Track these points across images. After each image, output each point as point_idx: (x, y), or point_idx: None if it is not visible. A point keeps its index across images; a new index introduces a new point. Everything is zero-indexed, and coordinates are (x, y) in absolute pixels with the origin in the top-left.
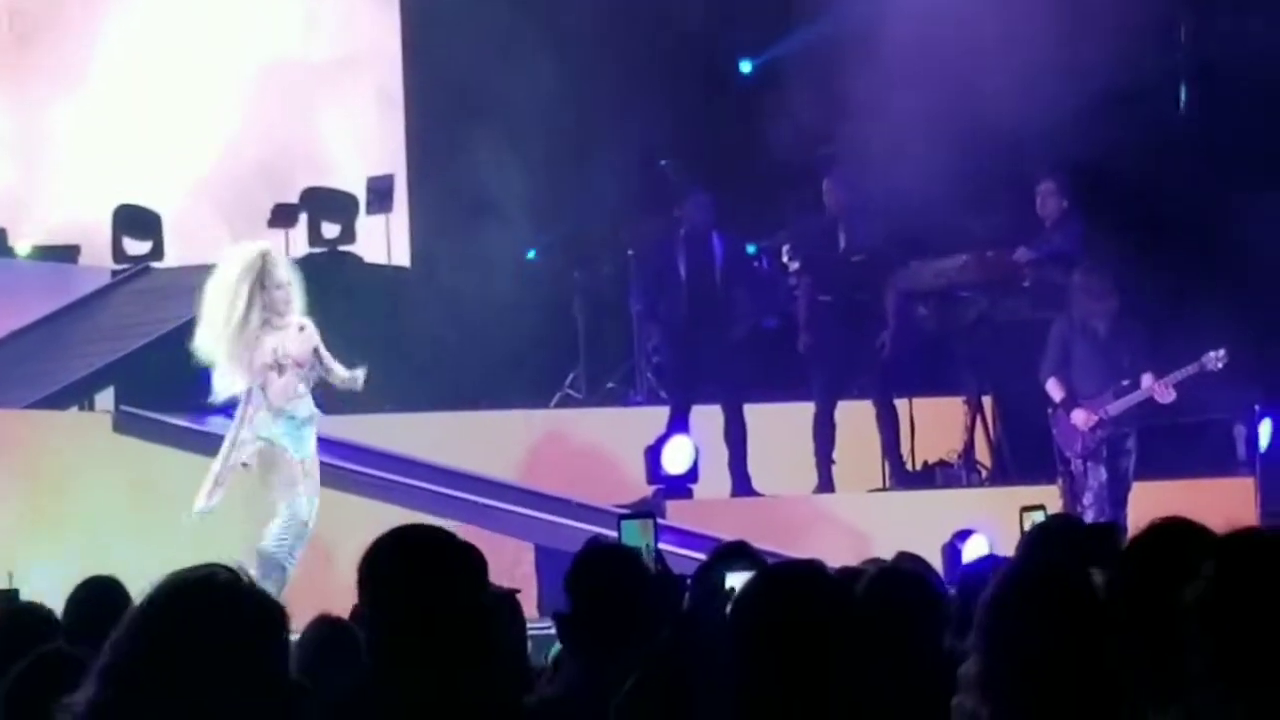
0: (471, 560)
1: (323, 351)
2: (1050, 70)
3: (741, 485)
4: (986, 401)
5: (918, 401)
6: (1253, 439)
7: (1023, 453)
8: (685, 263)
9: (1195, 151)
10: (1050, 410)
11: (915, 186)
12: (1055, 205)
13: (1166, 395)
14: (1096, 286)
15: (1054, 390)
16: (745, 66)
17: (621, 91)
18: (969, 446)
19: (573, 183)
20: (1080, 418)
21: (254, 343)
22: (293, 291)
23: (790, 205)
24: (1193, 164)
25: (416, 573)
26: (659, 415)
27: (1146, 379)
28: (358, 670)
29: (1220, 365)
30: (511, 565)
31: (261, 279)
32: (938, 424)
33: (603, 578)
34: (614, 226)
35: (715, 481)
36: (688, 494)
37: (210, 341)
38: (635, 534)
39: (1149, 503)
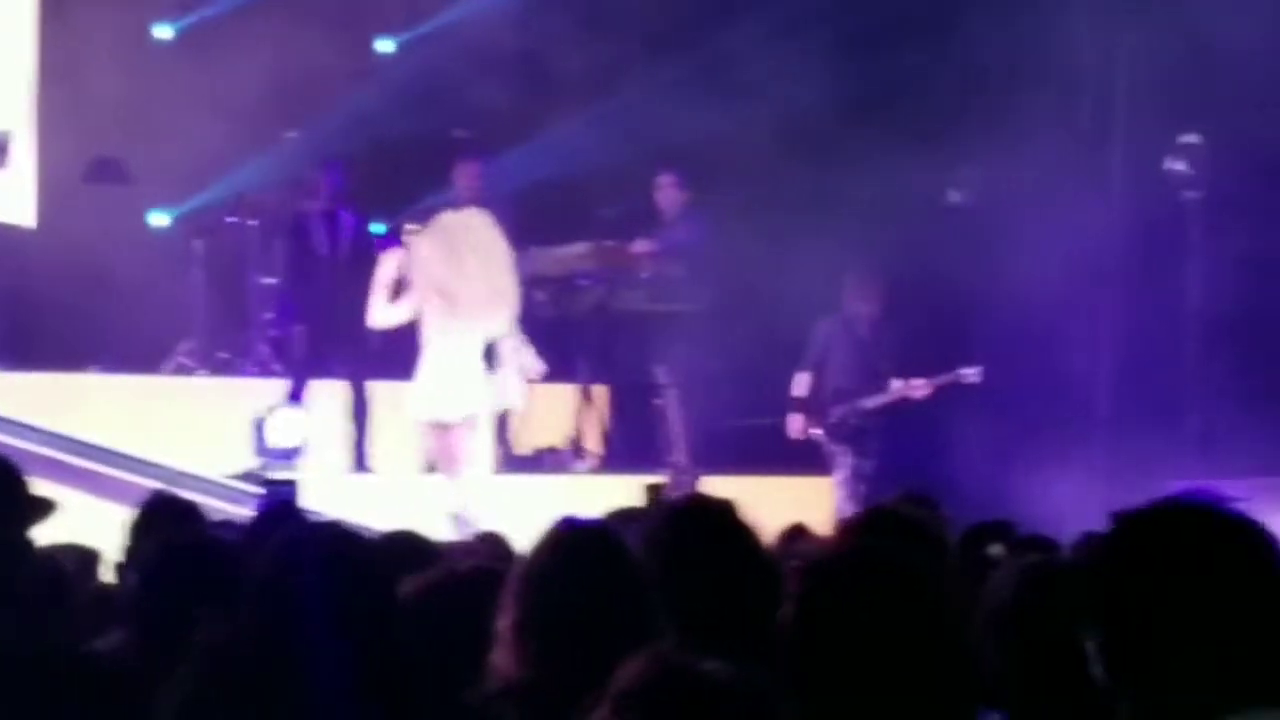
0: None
1: None
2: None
3: (360, 463)
4: (600, 390)
5: (531, 386)
6: None
7: (633, 441)
8: (321, 236)
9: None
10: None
11: (544, 174)
12: (675, 198)
13: (923, 392)
14: (867, 289)
15: (797, 387)
16: (386, 45)
17: (257, 66)
18: (579, 433)
19: (203, 151)
20: (796, 426)
21: None
22: None
23: (419, 185)
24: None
25: None
26: (272, 388)
27: (895, 384)
28: None
29: (977, 379)
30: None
31: None
32: (550, 410)
33: (163, 536)
34: (239, 197)
35: (335, 458)
36: (293, 467)
37: None
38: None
39: (753, 496)
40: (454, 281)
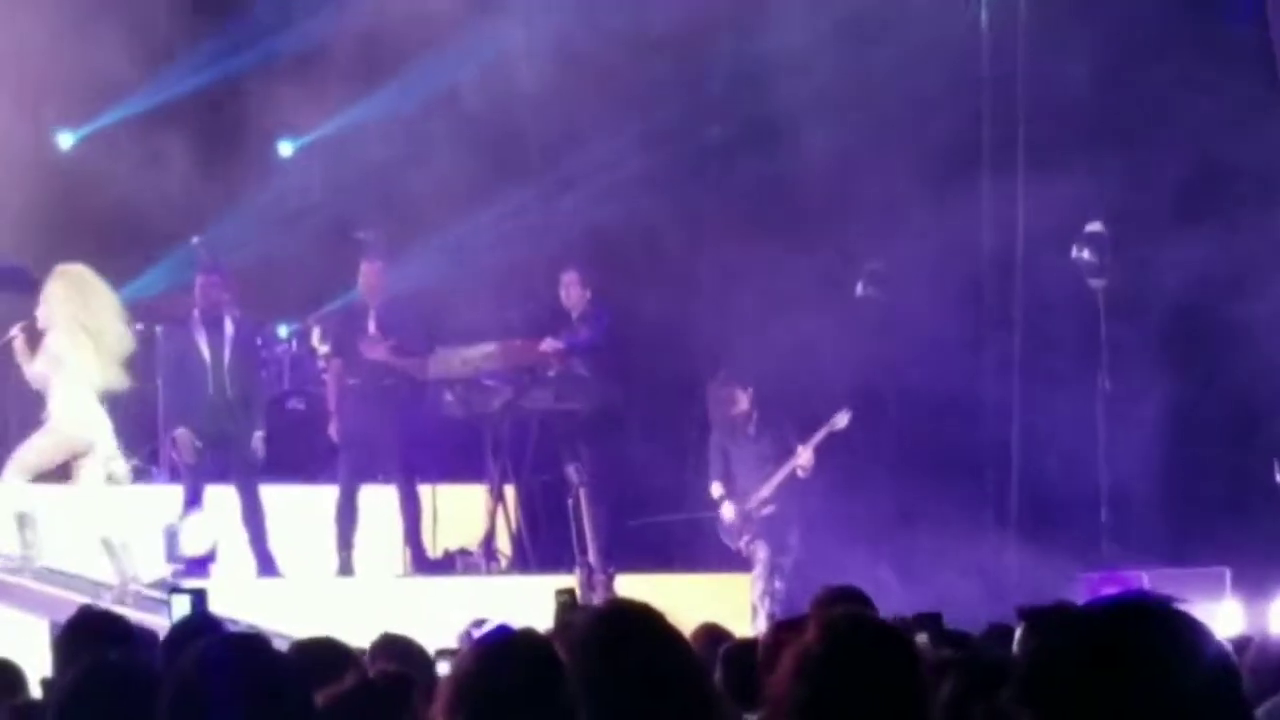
0: None
1: None
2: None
3: (265, 567)
4: (509, 490)
5: (441, 488)
6: None
7: (543, 543)
8: (203, 342)
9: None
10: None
11: (448, 274)
12: (579, 296)
13: (804, 458)
14: (726, 395)
15: (715, 491)
16: (286, 148)
17: (161, 166)
18: (490, 534)
19: (110, 257)
20: (728, 511)
21: None
22: None
23: (324, 287)
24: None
25: None
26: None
27: (799, 450)
28: None
29: (846, 423)
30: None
31: None
32: (460, 511)
33: (86, 657)
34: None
35: (239, 562)
36: (205, 574)
37: None
38: (185, 608)
39: (666, 594)
40: (93, 323)
